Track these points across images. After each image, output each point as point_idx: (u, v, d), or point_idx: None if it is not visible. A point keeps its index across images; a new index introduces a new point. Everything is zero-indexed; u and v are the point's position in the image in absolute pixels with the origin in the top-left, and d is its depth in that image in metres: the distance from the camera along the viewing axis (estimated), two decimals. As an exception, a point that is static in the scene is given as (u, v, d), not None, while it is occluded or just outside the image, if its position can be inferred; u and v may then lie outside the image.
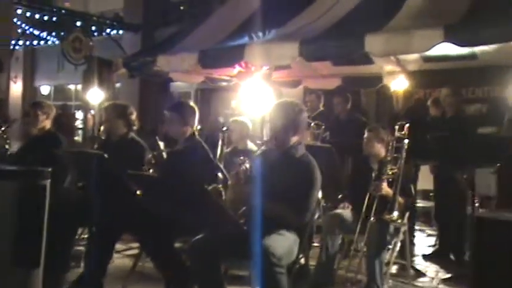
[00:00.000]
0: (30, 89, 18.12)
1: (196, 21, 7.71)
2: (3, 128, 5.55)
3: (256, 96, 6.63)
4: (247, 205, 3.39)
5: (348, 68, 7.25)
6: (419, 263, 5.48)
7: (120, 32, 14.49)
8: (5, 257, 2.66)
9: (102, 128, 4.85)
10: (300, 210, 3.34)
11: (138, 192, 3.56)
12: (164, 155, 4.43)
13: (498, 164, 4.79)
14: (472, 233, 4.33)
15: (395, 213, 4.18)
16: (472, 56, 5.83)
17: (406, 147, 4.40)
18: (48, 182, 2.72)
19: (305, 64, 6.94)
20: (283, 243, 3.24)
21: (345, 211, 4.63)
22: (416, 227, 6.49)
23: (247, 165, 3.44)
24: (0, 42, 11.41)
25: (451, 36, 4.28)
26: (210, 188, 3.96)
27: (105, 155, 3.44)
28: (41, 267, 2.76)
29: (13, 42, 14.04)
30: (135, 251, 4.74)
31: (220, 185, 4.12)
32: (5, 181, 2.69)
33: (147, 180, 3.67)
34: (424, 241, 6.54)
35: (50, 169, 2.76)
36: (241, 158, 3.51)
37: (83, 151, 4.54)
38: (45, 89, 18.71)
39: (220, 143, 5.09)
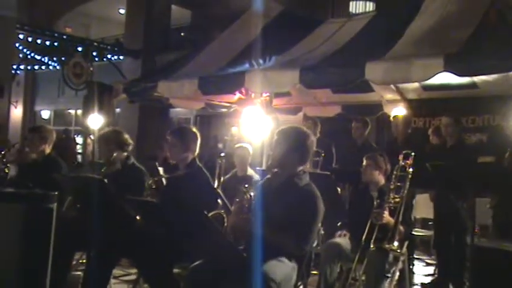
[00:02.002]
0: (30, 114, 18.19)
1: (197, 48, 7.79)
2: (3, 152, 5.53)
3: (256, 123, 6.66)
4: (248, 232, 3.35)
5: (348, 95, 7.29)
6: (419, 293, 5.43)
7: (121, 57, 14.61)
8: (11, 280, 2.65)
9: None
10: (300, 241, 3.29)
11: (137, 217, 3.54)
12: (164, 180, 4.41)
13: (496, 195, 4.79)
14: (472, 262, 4.31)
15: (396, 243, 4.14)
16: (472, 85, 5.87)
17: (409, 176, 4.38)
18: (54, 206, 2.72)
19: (305, 91, 6.99)
20: (282, 270, 3.20)
21: (344, 239, 4.59)
22: (415, 256, 6.43)
23: (252, 194, 3.39)
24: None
25: (451, 65, 4.32)
26: (212, 214, 3.94)
27: (105, 180, 3.42)
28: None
29: (14, 66, 14.13)
30: (133, 277, 4.69)
31: (222, 211, 4.09)
32: (12, 204, 2.69)
33: (147, 205, 3.64)
34: (423, 270, 6.47)
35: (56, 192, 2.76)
36: (246, 186, 3.45)
37: (82, 176, 4.52)
38: (45, 114, 18.78)
39: (217, 169, 5.07)
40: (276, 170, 3.56)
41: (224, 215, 4.09)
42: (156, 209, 3.54)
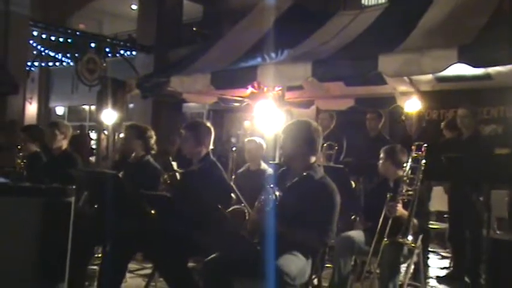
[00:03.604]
0: (45, 110, 18.34)
1: (209, 42, 7.80)
2: (19, 147, 5.60)
3: (269, 116, 6.65)
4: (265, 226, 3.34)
5: (361, 88, 7.26)
6: (434, 286, 5.40)
7: (134, 53, 14.66)
8: (30, 273, 2.70)
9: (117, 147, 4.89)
10: (321, 234, 3.29)
11: (152, 212, 3.56)
12: (178, 175, 4.43)
13: (512, 186, 4.74)
14: (488, 255, 4.28)
15: (410, 236, 4.12)
16: (487, 76, 5.81)
17: (422, 168, 4.35)
18: (72, 199, 2.77)
19: (318, 85, 6.97)
20: (297, 264, 3.21)
21: (357, 232, 4.58)
22: (430, 249, 6.40)
23: (277, 193, 3.38)
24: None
25: (465, 57, 4.28)
26: (233, 208, 3.95)
27: (120, 175, 3.45)
28: (65, 283, 2.78)
29: (29, 63, 14.24)
30: (148, 271, 4.72)
31: (242, 205, 4.10)
32: (30, 198, 2.74)
33: (161, 200, 3.66)
34: (438, 263, 6.44)
35: (74, 186, 2.81)
36: (272, 186, 3.44)
37: (98, 171, 4.56)
38: (59, 110, 18.93)
39: (230, 164, 5.07)
40: (288, 164, 3.57)
41: (246, 210, 4.09)
42: (170, 203, 3.55)
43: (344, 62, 5.20)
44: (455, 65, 4.35)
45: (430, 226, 6.21)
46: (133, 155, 4.63)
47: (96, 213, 4.17)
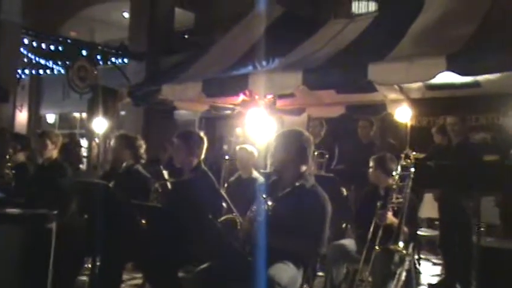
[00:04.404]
0: (35, 118, 18.24)
1: (200, 50, 7.80)
2: (7, 157, 5.56)
3: (260, 124, 6.66)
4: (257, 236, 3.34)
5: (352, 96, 7.28)
6: (426, 293, 5.42)
7: (125, 60, 14.63)
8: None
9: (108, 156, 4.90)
10: (315, 243, 3.30)
11: (142, 221, 3.55)
12: (169, 184, 4.42)
13: (502, 193, 4.77)
14: (478, 263, 4.30)
15: (401, 243, 4.14)
16: (476, 84, 5.85)
17: (411, 175, 4.37)
18: (53, 225, 2.73)
19: (309, 92, 6.98)
20: (288, 273, 3.21)
21: (349, 240, 4.59)
22: (422, 256, 6.42)
23: (270, 203, 3.38)
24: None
25: (454, 65, 4.31)
26: (224, 218, 3.94)
27: (110, 185, 3.44)
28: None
29: (19, 71, 14.18)
30: (139, 281, 4.70)
31: (234, 215, 4.10)
32: (11, 225, 2.69)
33: (152, 210, 3.65)
34: (430, 270, 6.46)
35: (55, 212, 2.77)
36: (264, 196, 3.44)
37: (87, 181, 4.55)
38: (50, 117, 18.83)
39: (223, 172, 5.07)
40: (279, 173, 3.57)
41: (237, 220, 4.09)
42: (161, 213, 3.55)
43: (334, 70, 5.22)
44: (444, 73, 4.38)
45: (421, 233, 6.24)
46: (123, 164, 4.63)
47: (86, 224, 4.15)
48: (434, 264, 6.75)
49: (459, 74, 4.45)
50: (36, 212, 2.76)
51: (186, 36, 14.94)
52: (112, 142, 4.86)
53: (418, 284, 5.41)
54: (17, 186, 5.19)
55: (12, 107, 12.53)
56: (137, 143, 4.64)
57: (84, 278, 4.52)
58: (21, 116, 17.56)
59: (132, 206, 3.54)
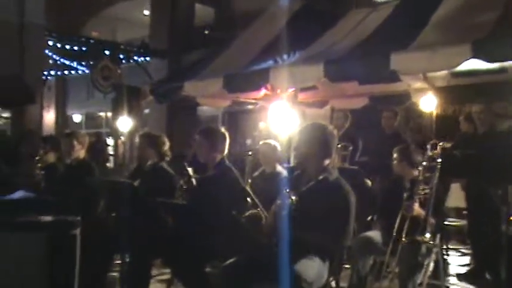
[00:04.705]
0: (62, 118, 18.55)
1: (221, 46, 7.82)
2: (37, 158, 5.67)
3: (283, 118, 6.65)
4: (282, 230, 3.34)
5: (375, 86, 7.19)
6: (454, 283, 5.36)
7: (147, 58, 14.75)
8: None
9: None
10: (339, 236, 3.30)
11: (168, 219, 3.59)
12: (194, 181, 4.45)
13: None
14: (507, 252, 4.24)
15: (428, 234, 4.10)
16: (502, 70, 5.74)
17: (438, 166, 4.32)
18: (77, 232, 2.75)
19: (331, 84, 6.92)
20: (314, 268, 3.21)
21: (375, 233, 4.57)
22: (450, 246, 6.35)
23: (293, 197, 3.39)
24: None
25: (479, 52, 4.22)
26: (249, 213, 3.96)
27: (135, 183, 3.48)
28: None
29: (45, 72, 14.42)
30: (167, 276, 4.75)
31: (258, 209, 4.12)
32: (35, 232, 2.71)
33: (176, 207, 3.69)
34: (458, 260, 6.39)
35: (79, 218, 2.78)
36: (288, 190, 3.44)
37: (113, 180, 4.62)
38: (77, 117, 19.12)
39: (247, 167, 5.08)
40: (303, 167, 3.57)
41: (262, 214, 4.11)
42: (186, 210, 3.58)
43: (356, 61, 5.17)
44: (469, 60, 4.31)
45: (449, 223, 6.17)
46: (148, 162, 4.69)
47: (114, 221, 4.21)
48: (463, 254, 6.67)
49: (485, 60, 4.37)
50: (61, 219, 2.79)
51: (206, 32, 14.98)
52: (137, 141, 4.92)
53: (447, 274, 5.37)
54: (47, 186, 5.29)
55: (40, 108, 12.77)
56: (160, 141, 4.69)
57: (115, 274, 4.59)
58: (49, 117, 17.86)
59: (157, 203, 3.57)
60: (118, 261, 4.60)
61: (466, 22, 4.88)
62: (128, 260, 3.90)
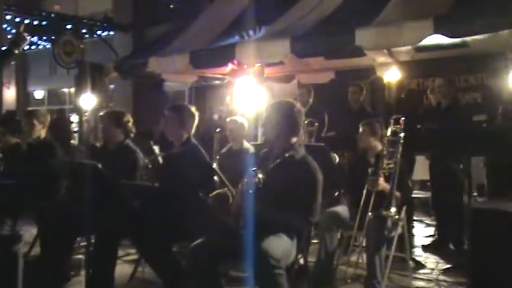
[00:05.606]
0: (23, 94, 18.06)
1: (186, 21, 7.69)
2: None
3: (250, 94, 6.63)
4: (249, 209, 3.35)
5: (341, 61, 7.22)
6: (419, 255, 5.49)
7: (111, 32, 14.42)
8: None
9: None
10: (307, 214, 3.32)
11: (133, 200, 3.55)
12: (160, 159, 4.41)
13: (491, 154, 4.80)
14: (469, 225, 4.36)
15: (393, 209, 4.18)
16: (463, 44, 5.82)
17: (401, 141, 4.39)
18: (20, 247, 2.64)
19: (297, 59, 6.91)
20: (282, 245, 3.23)
21: (343, 207, 4.63)
22: (415, 218, 6.50)
23: (260, 176, 3.38)
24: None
25: (441, 27, 4.29)
26: (216, 193, 3.96)
27: (99, 165, 3.42)
28: None
29: (3, 48, 13.97)
30: (134, 257, 4.74)
31: (226, 189, 4.11)
32: None
33: (142, 189, 3.66)
34: (423, 231, 6.55)
35: (20, 233, 2.65)
36: (254, 169, 3.43)
37: (76, 162, 4.54)
38: (38, 94, 18.67)
39: (215, 145, 5.07)
40: (270, 145, 3.58)
41: (229, 194, 4.11)
42: (151, 192, 3.55)
43: (322, 37, 5.18)
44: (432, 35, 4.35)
45: (414, 196, 6.30)
46: (114, 141, 4.62)
47: (77, 204, 4.15)
48: (428, 225, 6.84)
49: (447, 36, 4.43)
50: (1, 234, 2.68)
51: (171, 6, 14.70)
52: (100, 122, 4.84)
53: (412, 246, 5.49)
54: (7, 169, 5.15)
55: (0, 85, 12.39)
56: (124, 119, 4.61)
57: (80, 256, 4.55)
58: (9, 94, 17.38)
59: (122, 186, 3.53)
60: (83, 243, 4.59)
61: (428, -1, 4.91)
62: (93, 241, 3.86)
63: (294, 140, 3.51)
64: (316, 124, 6.25)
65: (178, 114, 4.13)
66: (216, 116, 10.82)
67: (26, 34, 4.91)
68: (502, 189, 4.94)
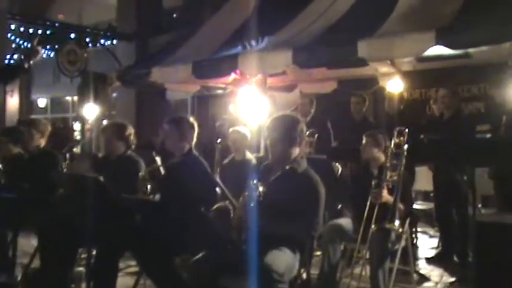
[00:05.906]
0: (26, 102, 18.08)
1: (190, 30, 7.70)
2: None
3: (252, 103, 6.61)
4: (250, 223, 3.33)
5: (343, 71, 7.22)
6: (423, 267, 5.45)
7: (114, 42, 14.47)
8: None
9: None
10: (308, 227, 3.30)
11: (135, 214, 3.54)
12: (162, 170, 4.39)
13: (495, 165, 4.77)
14: (474, 237, 4.33)
15: (397, 222, 4.15)
16: (466, 55, 5.80)
17: (405, 153, 4.36)
18: None
19: (300, 69, 6.92)
20: (284, 260, 3.20)
21: (345, 220, 4.60)
22: (419, 229, 6.45)
23: (261, 189, 3.37)
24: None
25: (443, 39, 4.28)
26: (217, 206, 3.94)
27: (101, 178, 3.41)
28: None
29: (8, 56, 14.01)
30: (136, 269, 4.70)
31: (227, 202, 4.09)
32: None
33: (143, 203, 3.64)
34: (427, 243, 6.50)
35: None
36: (255, 182, 3.41)
37: (78, 174, 4.52)
38: (42, 102, 18.72)
39: (216, 155, 5.05)
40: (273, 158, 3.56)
41: (230, 207, 4.09)
42: (152, 206, 3.53)
43: (324, 48, 5.16)
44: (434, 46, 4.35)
45: (417, 207, 6.26)
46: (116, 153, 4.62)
47: (79, 216, 4.13)
48: (431, 236, 6.79)
49: (448, 47, 4.42)
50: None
51: (174, 15, 14.75)
52: (101, 134, 4.83)
53: (416, 258, 5.45)
54: (10, 180, 5.12)
55: (3, 93, 12.44)
56: (126, 133, 4.61)
57: (81, 269, 4.52)
58: (12, 101, 17.41)
59: (124, 200, 3.52)
60: (84, 256, 4.56)
61: (430, 10, 4.90)
62: (94, 253, 3.84)
63: (296, 152, 3.50)
64: (317, 135, 6.22)
65: (178, 127, 4.11)
66: (218, 124, 10.82)
67: (39, 48, 4.85)
68: (510, 201, 4.93)
